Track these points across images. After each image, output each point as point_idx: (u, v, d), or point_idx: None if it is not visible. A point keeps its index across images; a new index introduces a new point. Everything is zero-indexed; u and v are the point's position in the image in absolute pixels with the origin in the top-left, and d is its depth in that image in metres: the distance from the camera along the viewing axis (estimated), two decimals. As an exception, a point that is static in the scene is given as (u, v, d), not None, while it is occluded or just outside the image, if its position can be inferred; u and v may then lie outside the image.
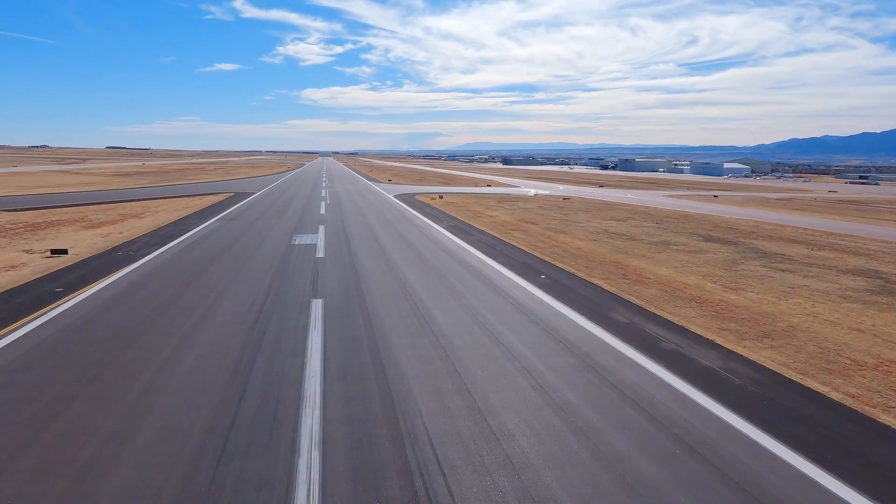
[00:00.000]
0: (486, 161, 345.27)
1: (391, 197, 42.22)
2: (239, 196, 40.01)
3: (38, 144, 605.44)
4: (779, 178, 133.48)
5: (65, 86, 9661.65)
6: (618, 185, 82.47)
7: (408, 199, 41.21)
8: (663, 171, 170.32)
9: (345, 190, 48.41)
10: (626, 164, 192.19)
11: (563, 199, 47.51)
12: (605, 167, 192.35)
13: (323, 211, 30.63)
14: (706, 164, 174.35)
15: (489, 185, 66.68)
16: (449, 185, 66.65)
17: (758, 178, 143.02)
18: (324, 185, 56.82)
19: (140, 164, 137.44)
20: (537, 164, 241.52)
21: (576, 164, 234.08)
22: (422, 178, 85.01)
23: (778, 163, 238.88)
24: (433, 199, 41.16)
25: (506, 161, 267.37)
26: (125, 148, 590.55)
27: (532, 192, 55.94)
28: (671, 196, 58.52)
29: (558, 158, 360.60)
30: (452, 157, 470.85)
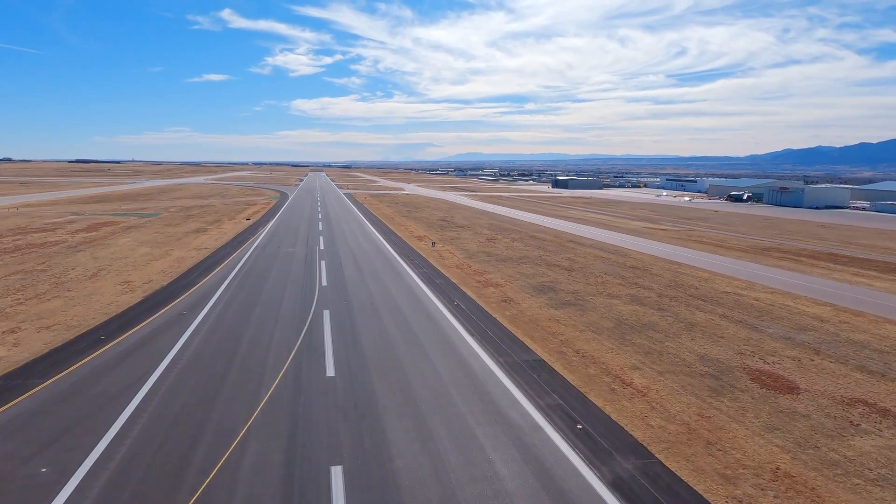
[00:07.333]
0: (511, 177, 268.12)
1: None
2: None
3: (2, 157, 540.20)
4: None
5: (50, 96, 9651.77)
6: None
7: None
8: (862, 209, 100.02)
9: None
10: (782, 197, 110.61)
11: None
12: (737, 199, 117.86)
13: None
14: None
15: None
16: None
17: None
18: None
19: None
20: (598, 188, 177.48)
21: (656, 187, 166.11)
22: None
23: (803, 176, 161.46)
24: None
25: (556, 183, 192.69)
26: (96, 161, 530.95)
27: None
28: None
29: (624, 177, 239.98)
30: (462, 172, 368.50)
